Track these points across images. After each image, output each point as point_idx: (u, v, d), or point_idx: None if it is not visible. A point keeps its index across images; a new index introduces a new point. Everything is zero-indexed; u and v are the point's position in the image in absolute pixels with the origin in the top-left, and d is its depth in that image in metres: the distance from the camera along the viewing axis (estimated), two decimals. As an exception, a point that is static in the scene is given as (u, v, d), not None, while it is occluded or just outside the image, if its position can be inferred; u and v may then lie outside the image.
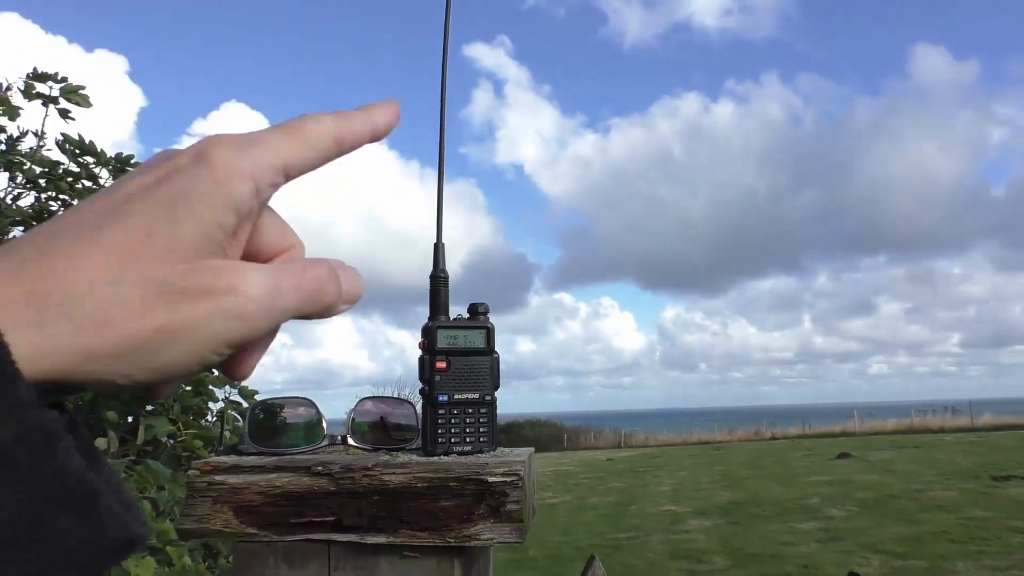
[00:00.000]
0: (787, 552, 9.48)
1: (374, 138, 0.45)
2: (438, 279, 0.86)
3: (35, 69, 3.85)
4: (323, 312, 0.42)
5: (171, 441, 4.36)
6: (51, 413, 0.33)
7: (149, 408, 4.70)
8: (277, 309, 0.39)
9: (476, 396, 0.85)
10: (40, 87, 3.97)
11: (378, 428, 0.91)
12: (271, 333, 0.42)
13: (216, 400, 5.42)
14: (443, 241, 0.86)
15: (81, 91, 4.14)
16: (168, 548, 2.90)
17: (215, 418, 5.11)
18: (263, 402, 0.87)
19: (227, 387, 5.39)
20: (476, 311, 0.86)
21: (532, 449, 0.92)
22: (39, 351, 0.34)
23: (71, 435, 0.34)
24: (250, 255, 0.42)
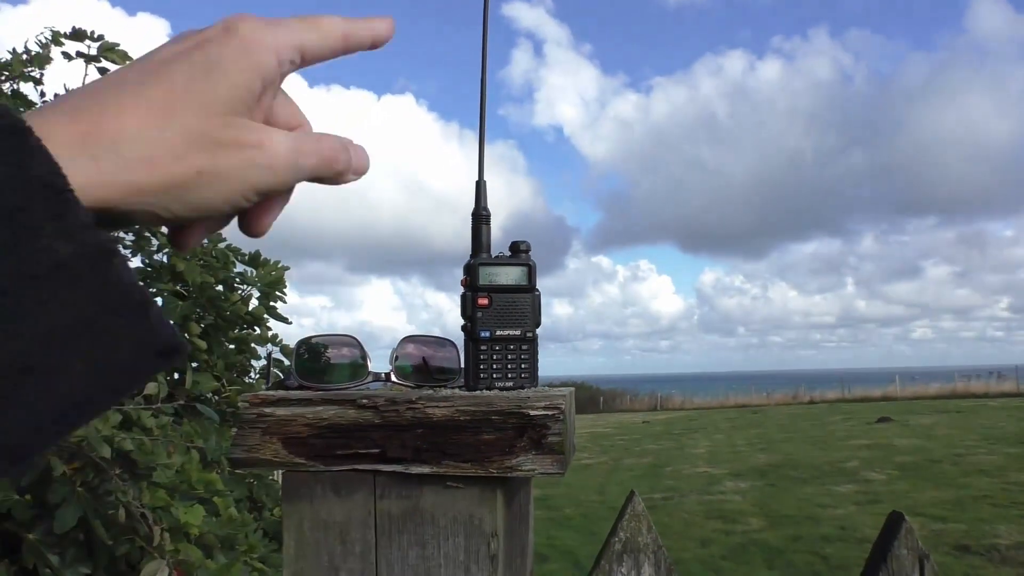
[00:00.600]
0: (823, 514, 9.47)
1: (373, 44, 0.51)
2: (480, 217, 0.87)
3: (73, 28, 3.89)
4: (335, 178, 0.48)
5: (216, 397, 4.47)
6: (106, 234, 0.37)
7: (194, 365, 4.80)
8: (298, 166, 0.45)
9: (518, 332, 0.85)
10: (79, 46, 4.02)
11: (421, 367, 0.92)
12: (288, 191, 0.48)
13: (259, 358, 5.52)
14: (484, 179, 0.86)
15: (118, 48, 4.19)
16: (215, 499, 2.98)
17: (258, 375, 5.21)
18: (308, 340, 0.88)
19: (269, 344, 5.48)
20: (518, 249, 0.87)
21: (572, 388, 0.92)
22: (93, 182, 0.39)
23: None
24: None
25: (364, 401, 0.77)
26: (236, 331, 4.87)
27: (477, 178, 0.86)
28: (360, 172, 0.49)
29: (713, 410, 34.50)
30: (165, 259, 4.85)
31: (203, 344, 4.44)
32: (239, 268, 5.20)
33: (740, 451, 16.60)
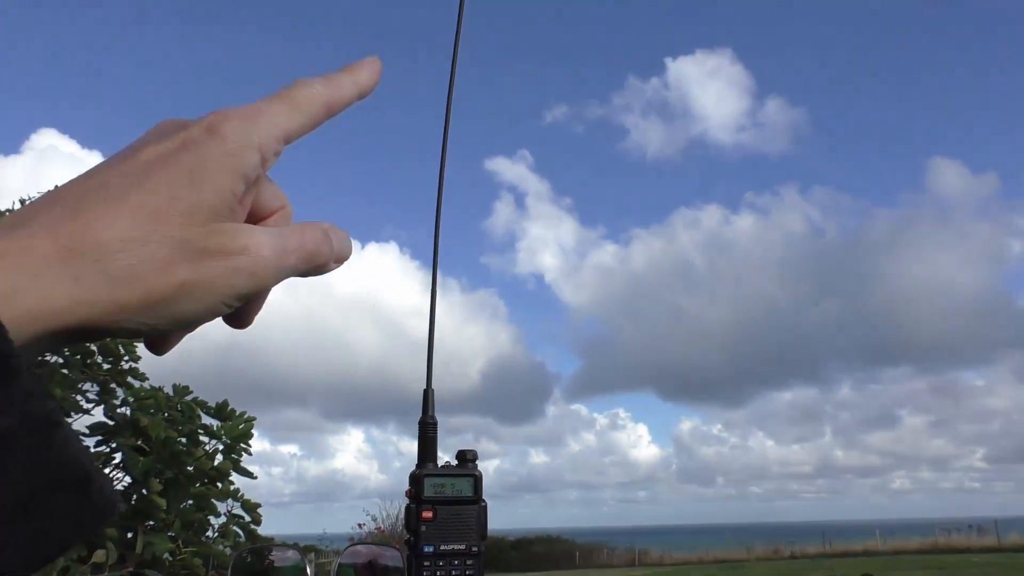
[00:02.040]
0: None
1: (361, 96, 0.50)
2: (427, 425, 0.86)
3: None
4: (318, 270, 0.47)
5: (170, 559, 4.24)
6: (52, 402, 0.36)
7: (150, 523, 4.60)
8: (282, 267, 0.44)
9: (463, 547, 0.83)
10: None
11: (364, 566, 0.89)
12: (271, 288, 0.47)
13: (218, 514, 5.29)
14: (432, 387, 0.86)
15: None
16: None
17: (215, 535, 4.97)
18: (251, 548, 0.86)
19: (230, 500, 5.28)
20: (465, 458, 0.86)
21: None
22: (76, 302, 0.38)
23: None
24: (249, 215, 0.47)
25: (298, 624, 0.74)
26: (198, 486, 4.69)
27: (425, 387, 0.87)
28: (342, 260, 0.48)
29: (692, 565, 33.30)
30: (128, 412, 4.73)
31: (162, 503, 4.27)
32: (205, 420, 5.07)
33: (721, 611, 15.89)
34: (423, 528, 0.82)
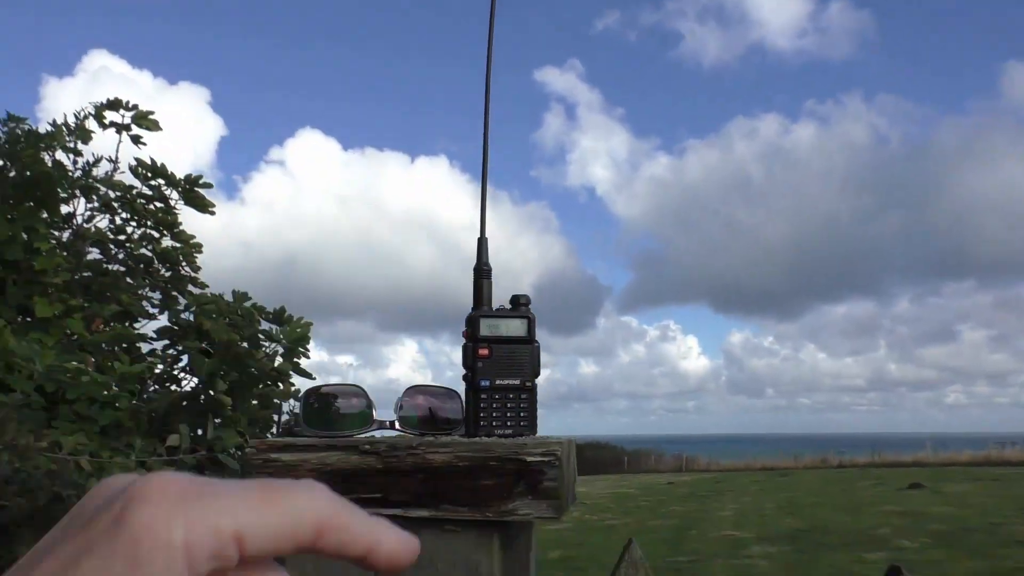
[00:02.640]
0: (854, 582, 9.19)
1: (366, 557, 0.33)
2: (481, 271, 0.90)
3: (107, 99, 4.06)
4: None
5: (239, 452, 4.48)
6: None
7: (217, 420, 4.83)
8: None
9: (517, 382, 0.88)
10: (112, 115, 4.18)
11: (425, 416, 0.95)
12: None
13: (282, 413, 5.54)
14: (486, 236, 0.90)
15: (151, 116, 4.35)
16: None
17: (279, 431, 5.21)
18: (316, 389, 0.92)
19: (292, 400, 5.51)
20: (518, 302, 0.90)
21: (572, 440, 0.94)
22: None
23: None
24: None
25: (367, 447, 0.80)
26: (260, 387, 4.91)
27: (479, 235, 0.90)
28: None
29: (740, 472, 33.82)
30: (191, 318, 4.93)
31: (228, 400, 4.48)
32: (264, 326, 5.27)
33: (767, 515, 16.21)
34: (479, 364, 0.87)
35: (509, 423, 0.87)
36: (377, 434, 0.91)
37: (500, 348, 0.89)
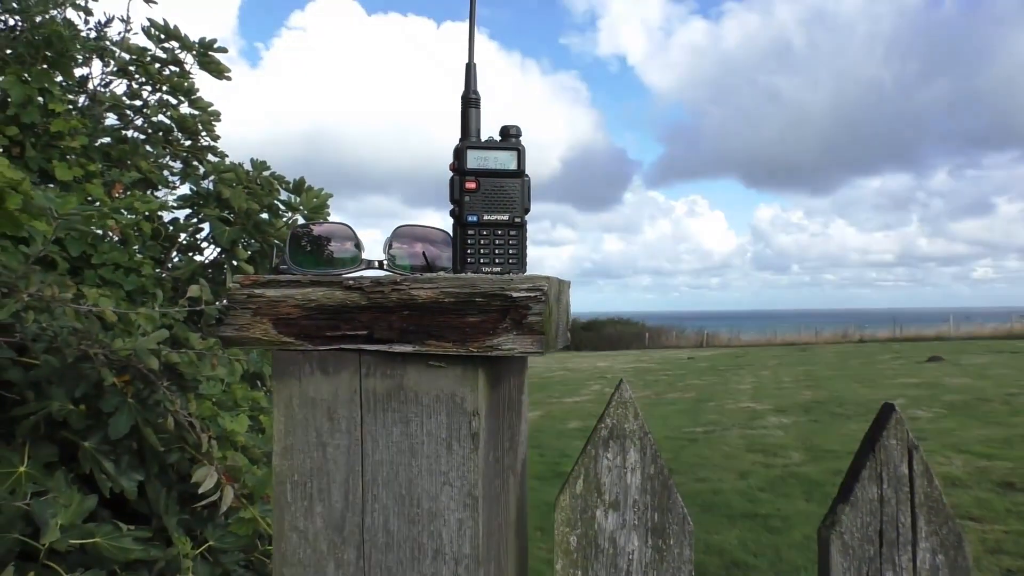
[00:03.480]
0: (867, 450, 9.41)
1: None
2: (469, 100, 0.86)
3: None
4: None
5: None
6: None
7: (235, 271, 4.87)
8: None
9: (506, 218, 0.85)
10: (123, -33, 4.03)
11: (416, 257, 0.93)
12: None
13: (275, 255, 5.60)
14: (475, 62, 0.85)
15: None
16: (261, 417, 3.09)
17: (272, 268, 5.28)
18: (303, 226, 0.90)
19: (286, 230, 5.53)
20: (508, 133, 0.86)
21: (569, 281, 0.92)
22: None
23: None
24: None
25: (351, 282, 0.78)
26: (277, 243, 4.96)
27: (467, 60, 0.85)
28: None
29: (760, 347, 34.26)
30: (211, 186, 4.93)
31: (251, 268, 4.54)
32: (283, 195, 5.27)
33: (785, 388, 16.51)
34: (467, 199, 0.84)
35: (498, 260, 0.85)
36: (366, 273, 0.89)
37: (489, 181, 0.85)
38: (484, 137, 0.86)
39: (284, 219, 5.16)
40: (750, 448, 9.81)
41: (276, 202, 5.24)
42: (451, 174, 0.85)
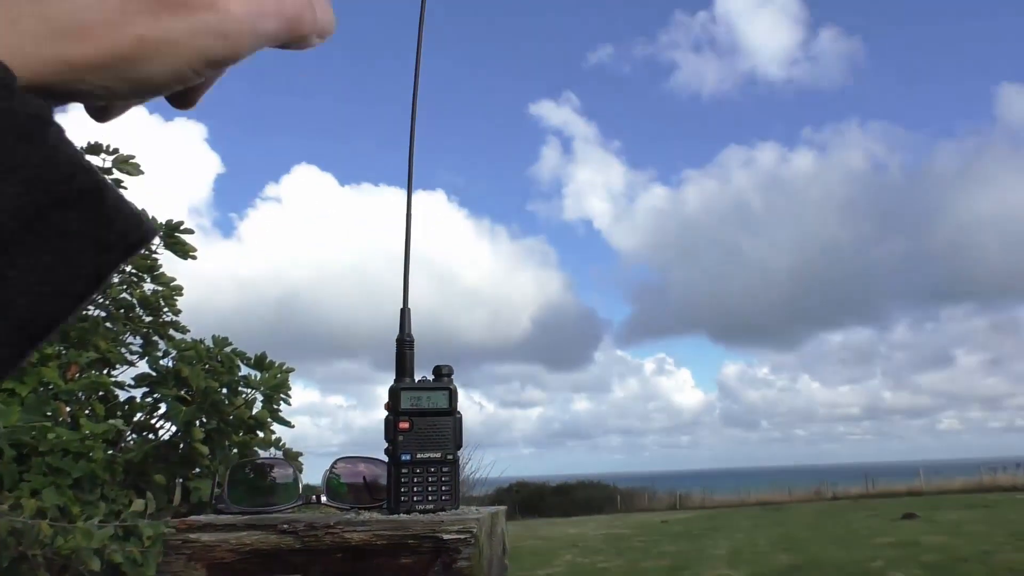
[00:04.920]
0: (848, 618, 9.08)
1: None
2: (403, 343, 0.91)
3: (89, 142, 4.09)
4: (299, 42, 0.40)
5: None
6: (39, 101, 0.30)
7: (196, 471, 4.78)
8: (258, 32, 0.37)
9: (438, 455, 0.88)
10: (94, 159, 4.21)
11: (357, 487, 0.95)
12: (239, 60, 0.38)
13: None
14: (409, 307, 0.91)
15: (131, 160, 4.37)
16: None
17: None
18: (243, 463, 0.91)
19: (272, 449, 5.47)
20: (440, 373, 0.90)
21: (503, 508, 0.94)
22: (15, 54, 0.30)
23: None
24: None
25: (285, 527, 0.79)
26: (239, 435, 4.87)
27: (402, 305, 0.91)
28: (325, 33, 0.40)
29: (734, 508, 33.57)
30: (171, 363, 4.89)
31: (205, 450, 4.44)
32: (244, 371, 5.21)
33: (762, 552, 16.06)
34: (400, 438, 0.87)
35: (431, 497, 0.87)
36: (301, 516, 0.90)
37: (422, 421, 0.89)
38: (418, 377, 0.91)
39: (243, 396, 5.11)
40: (728, 621, 9.42)
41: (236, 378, 5.19)
42: (386, 413, 0.89)
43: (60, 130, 0.30)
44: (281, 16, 0.37)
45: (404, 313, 0.92)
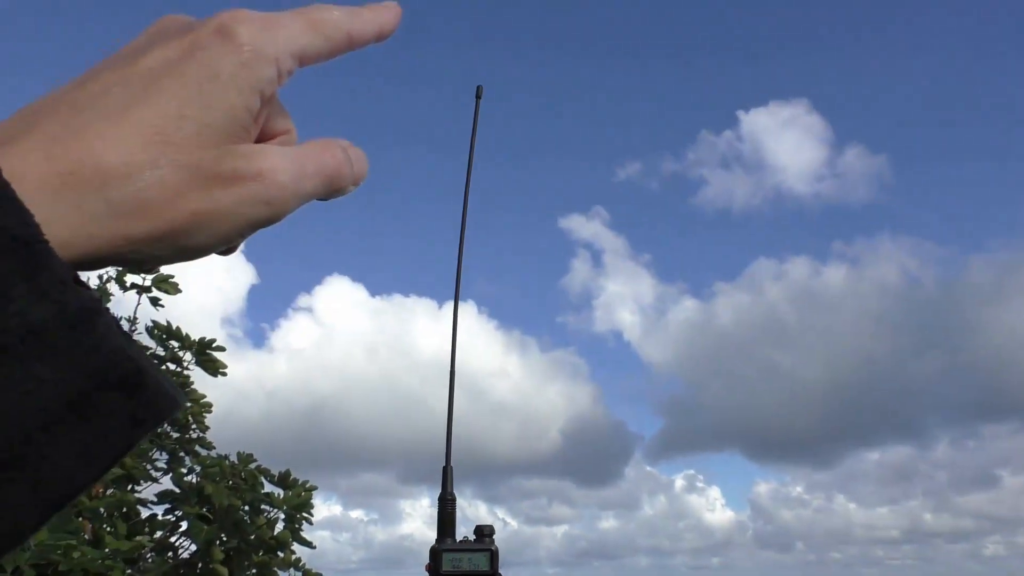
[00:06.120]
0: None
1: (379, 38, 0.45)
2: (446, 501, 0.90)
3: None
4: (337, 193, 0.42)
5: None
6: (88, 291, 0.32)
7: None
8: (300, 194, 0.39)
9: None
10: (133, 278, 4.33)
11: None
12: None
13: None
14: (451, 465, 0.91)
15: (171, 280, 4.49)
16: None
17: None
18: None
19: (291, 569, 5.36)
20: (482, 533, 0.89)
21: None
22: (77, 234, 0.34)
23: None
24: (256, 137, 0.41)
25: None
26: (260, 555, 4.78)
27: (444, 464, 0.91)
28: (360, 181, 0.43)
29: (768, 642, 31.65)
30: (195, 479, 4.86)
31: (224, 571, 4.35)
32: (267, 487, 5.17)
33: None
34: (442, 601, 0.86)
35: None
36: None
37: None
38: (459, 537, 0.90)
39: (265, 515, 5.04)
40: None
41: (259, 495, 5.13)
42: (426, 574, 0.88)
43: (108, 320, 0.32)
44: (322, 175, 0.40)
45: (446, 471, 0.92)
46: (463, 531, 0.90)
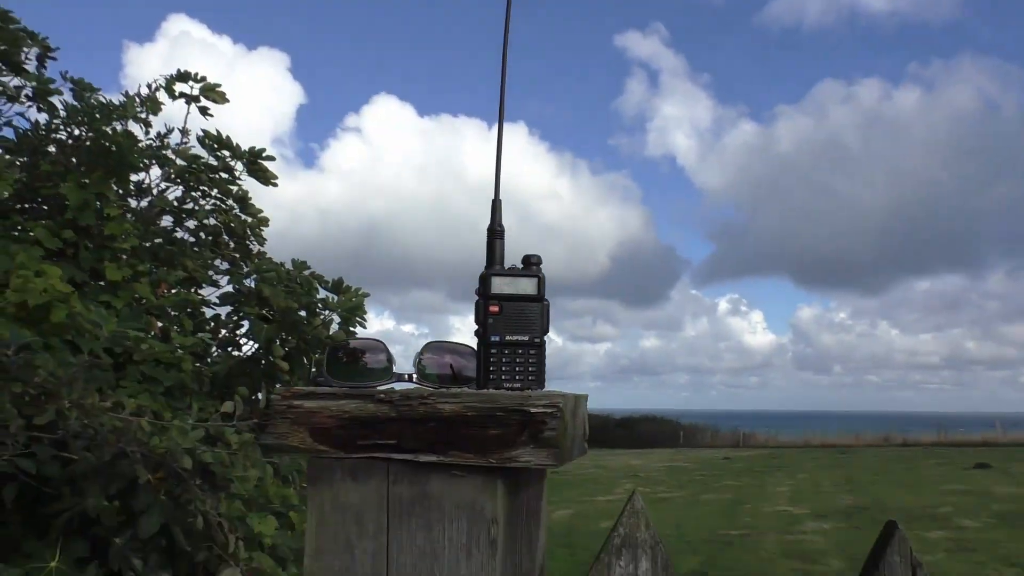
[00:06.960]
0: (911, 560, 9.04)
1: None
2: (494, 232, 0.95)
3: (178, 70, 4.20)
4: None
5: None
6: None
7: (277, 386, 5.01)
8: None
9: (526, 338, 0.93)
10: (182, 87, 4.33)
11: (444, 372, 1.00)
12: None
13: (312, 367, 5.67)
14: (500, 198, 0.94)
15: (218, 88, 4.48)
16: (291, 514, 3.11)
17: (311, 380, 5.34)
18: (340, 343, 0.98)
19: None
20: (530, 261, 0.94)
21: (585, 395, 0.98)
22: None
23: None
24: None
25: (382, 396, 0.85)
26: (316, 354, 5.07)
27: (494, 197, 0.95)
28: None
29: (798, 449, 33.38)
30: (253, 284, 5.09)
31: (286, 365, 4.64)
32: (321, 294, 5.41)
33: (824, 491, 16.01)
34: (490, 321, 0.92)
35: (518, 377, 0.92)
36: (396, 386, 0.96)
37: (511, 306, 0.93)
38: (507, 264, 0.95)
39: (321, 317, 5.29)
40: (787, 554, 9.49)
41: (314, 300, 5.38)
42: (477, 298, 0.93)
43: None
44: None
45: (495, 204, 0.96)
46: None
